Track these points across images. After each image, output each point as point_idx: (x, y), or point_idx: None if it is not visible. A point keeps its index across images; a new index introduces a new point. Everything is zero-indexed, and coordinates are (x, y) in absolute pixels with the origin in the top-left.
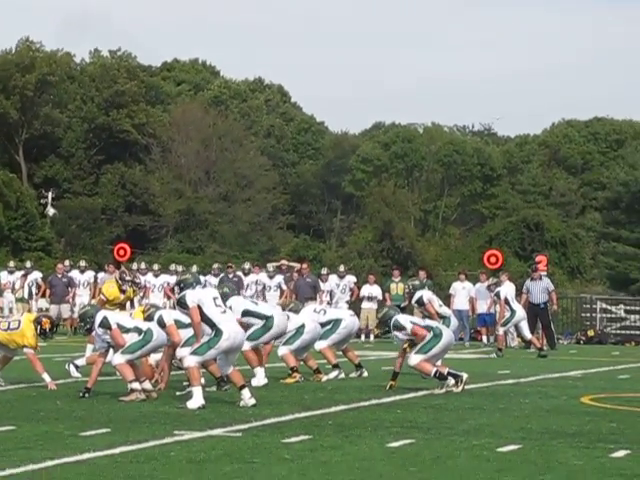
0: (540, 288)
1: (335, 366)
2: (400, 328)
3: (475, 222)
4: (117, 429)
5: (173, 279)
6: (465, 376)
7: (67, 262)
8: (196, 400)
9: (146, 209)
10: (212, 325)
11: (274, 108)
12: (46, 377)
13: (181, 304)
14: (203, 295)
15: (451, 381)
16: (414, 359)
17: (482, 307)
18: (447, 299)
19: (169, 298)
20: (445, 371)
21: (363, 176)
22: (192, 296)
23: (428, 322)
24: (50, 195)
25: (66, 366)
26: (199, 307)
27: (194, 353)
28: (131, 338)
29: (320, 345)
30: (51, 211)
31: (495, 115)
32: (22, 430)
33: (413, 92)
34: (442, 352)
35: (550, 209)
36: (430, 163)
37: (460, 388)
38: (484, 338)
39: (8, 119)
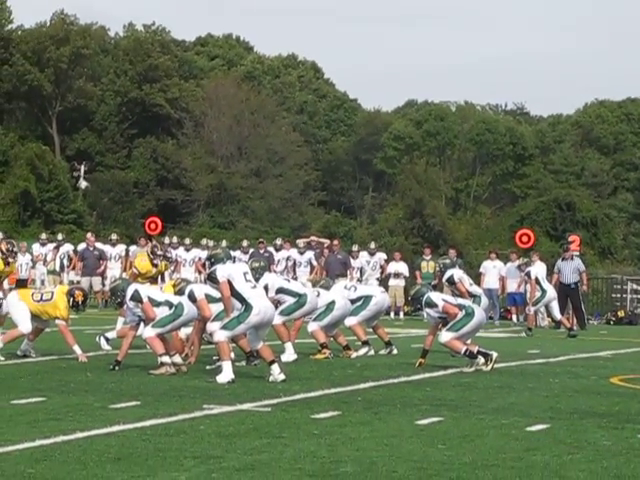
0: (571, 268)
1: (365, 343)
2: (432, 305)
3: (506, 201)
4: (147, 402)
5: (204, 254)
6: (495, 355)
7: (89, 234)
8: (226, 374)
9: (178, 183)
10: (242, 300)
11: (307, 84)
12: (77, 349)
13: (211, 279)
14: (233, 270)
15: (481, 360)
16: (445, 336)
17: (512, 286)
18: (477, 278)
19: (200, 273)
20: (475, 349)
21: (395, 154)
22: (222, 271)
23: (460, 300)
24: (83, 168)
25: (97, 339)
26: (229, 282)
27: (224, 328)
28: (162, 312)
29: (350, 321)
30: (83, 184)
31: (528, 95)
32: (52, 401)
33: (446, 70)
34: (473, 331)
35: (582, 189)
36: (462, 142)
37: (490, 367)
38: (514, 317)
39: (42, 91)
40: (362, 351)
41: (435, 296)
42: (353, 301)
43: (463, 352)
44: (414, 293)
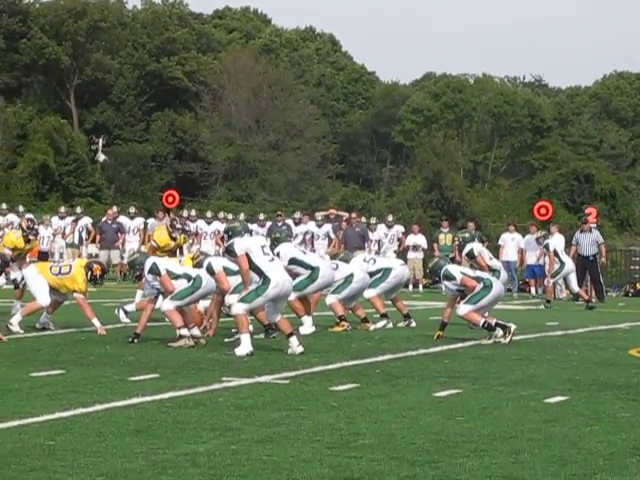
0: (589, 240)
1: (383, 315)
2: (450, 278)
3: (525, 174)
4: (165, 375)
5: (224, 226)
6: (513, 327)
7: (115, 208)
8: (244, 347)
9: (196, 156)
10: (260, 273)
11: (325, 57)
12: (96, 322)
13: (229, 252)
14: (251, 243)
15: (499, 332)
16: (463, 309)
17: (531, 258)
18: (496, 250)
19: (220, 246)
20: (493, 322)
21: (413, 126)
22: (240, 244)
23: (479, 273)
24: (101, 141)
25: (115, 311)
26: (247, 255)
27: (242, 300)
28: (180, 285)
29: (369, 294)
30: (101, 157)
31: (546, 66)
32: (71, 374)
33: (464, 42)
34: (491, 303)
35: (600, 161)
36: (480, 114)
37: (508, 339)
38: (532, 289)
39: (60, 65)
40: (380, 324)
41: (453, 269)
42: (372, 274)
43: (481, 324)
44: (432, 266)
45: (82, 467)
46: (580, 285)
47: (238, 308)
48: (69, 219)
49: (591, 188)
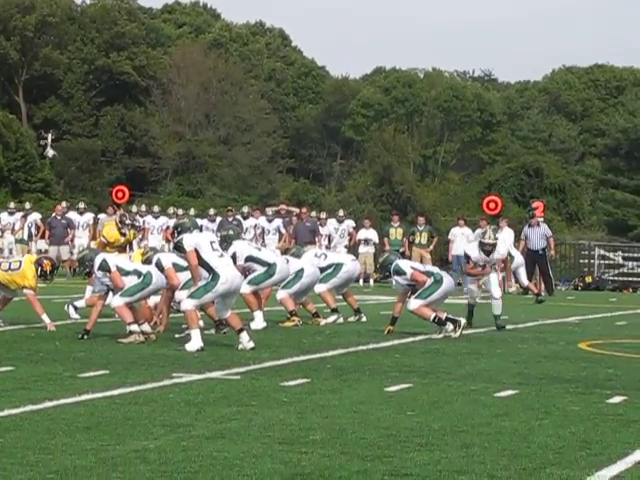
0: (538, 234)
1: (334, 310)
2: (400, 273)
3: (474, 168)
4: (116, 371)
5: (172, 222)
6: (463, 321)
7: (64, 203)
8: (195, 343)
9: (146, 151)
10: (209, 269)
11: (275, 52)
12: (45, 318)
13: (178, 248)
14: (200, 239)
15: (449, 326)
16: (414, 304)
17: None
18: (446, 245)
19: (168, 241)
20: (443, 316)
21: (363, 121)
22: (189, 240)
23: (429, 268)
24: (50, 136)
25: (65, 307)
26: (196, 251)
27: (191, 296)
28: (130, 281)
29: (320, 288)
30: (51, 152)
31: (495, 61)
32: (21, 371)
33: (414, 37)
34: (442, 298)
35: (550, 155)
36: (430, 108)
37: (458, 333)
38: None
39: (8, 60)
40: (331, 318)
41: (403, 264)
42: (324, 269)
43: (432, 319)
44: (382, 261)
45: (32, 465)
46: (530, 279)
47: (187, 304)
48: (18, 215)
49: (540, 182)
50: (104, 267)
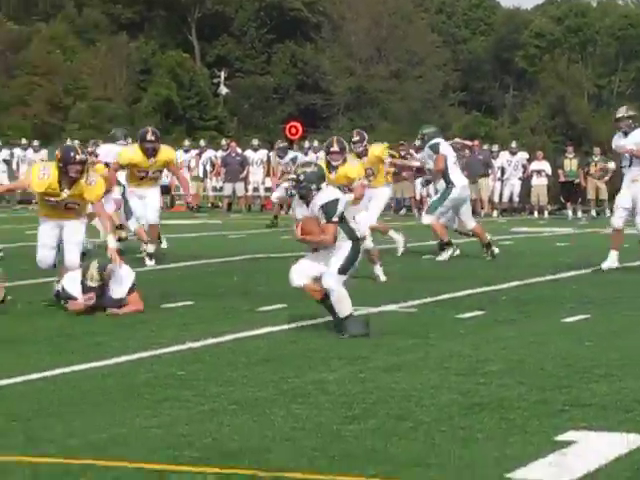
0: None
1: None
2: None
3: None
4: (293, 305)
5: None
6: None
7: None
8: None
9: (317, 87)
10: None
11: None
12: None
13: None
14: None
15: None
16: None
17: None
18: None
19: None
20: None
21: (536, 51)
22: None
23: None
24: (223, 74)
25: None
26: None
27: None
28: None
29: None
30: (224, 90)
31: None
32: (200, 305)
33: None
34: None
35: None
36: (604, 37)
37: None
38: None
39: None
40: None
41: None
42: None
43: None
44: None
45: (214, 396)
46: None
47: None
48: (193, 152)
49: None
50: None
